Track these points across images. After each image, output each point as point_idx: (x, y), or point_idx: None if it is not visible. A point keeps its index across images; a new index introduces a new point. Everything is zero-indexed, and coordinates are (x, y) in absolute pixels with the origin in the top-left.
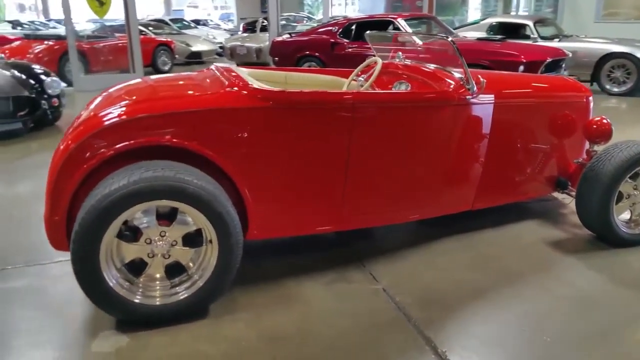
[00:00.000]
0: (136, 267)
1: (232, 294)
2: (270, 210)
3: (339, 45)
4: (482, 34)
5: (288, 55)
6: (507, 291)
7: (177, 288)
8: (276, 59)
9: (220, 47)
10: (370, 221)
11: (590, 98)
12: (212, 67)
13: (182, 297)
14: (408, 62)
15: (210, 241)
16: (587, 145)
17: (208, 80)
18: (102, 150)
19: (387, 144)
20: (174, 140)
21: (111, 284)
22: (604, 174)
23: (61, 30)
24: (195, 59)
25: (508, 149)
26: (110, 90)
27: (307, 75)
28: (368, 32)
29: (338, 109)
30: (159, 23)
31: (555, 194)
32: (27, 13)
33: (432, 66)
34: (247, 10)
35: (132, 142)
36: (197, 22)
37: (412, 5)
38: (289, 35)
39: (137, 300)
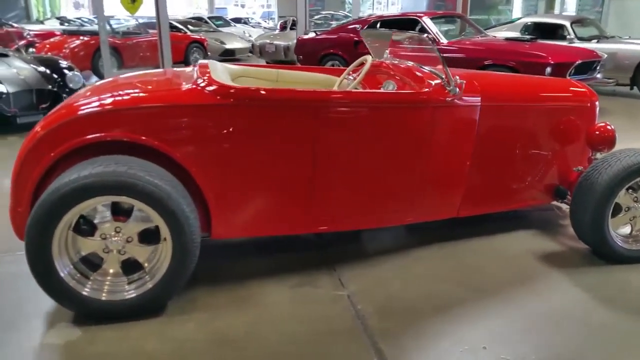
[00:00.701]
0: (95, 261)
1: (193, 292)
2: (235, 210)
3: (362, 44)
4: (516, 34)
5: (312, 53)
6: (479, 305)
7: (126, 286)
8: (300, 57)
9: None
10: (343, 224)
11: (597, 103)
12: (198, 62)
13: (128, 296)
14: (409, 63)
15: (165, 239)
16: (590, 152)
17: (185, 76)
18: (60, 144)
19: (358, 145)
20: (141, 137)
21: (62, 275)
22: (599, 183)
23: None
24: (228, 56)
25: (498, 154)
26: (119, 77)
27: (299, 73)
28: (363, 30)
29: (305, 108)
30: (197, 21)
31: (556, 203)
32: (81, 10)
33: (426, 68)
34: (288, 9)
35: (92, 136)
36: (238, 20)
37: (453, 4)
38: (314, 34)
39: (85, 293)
